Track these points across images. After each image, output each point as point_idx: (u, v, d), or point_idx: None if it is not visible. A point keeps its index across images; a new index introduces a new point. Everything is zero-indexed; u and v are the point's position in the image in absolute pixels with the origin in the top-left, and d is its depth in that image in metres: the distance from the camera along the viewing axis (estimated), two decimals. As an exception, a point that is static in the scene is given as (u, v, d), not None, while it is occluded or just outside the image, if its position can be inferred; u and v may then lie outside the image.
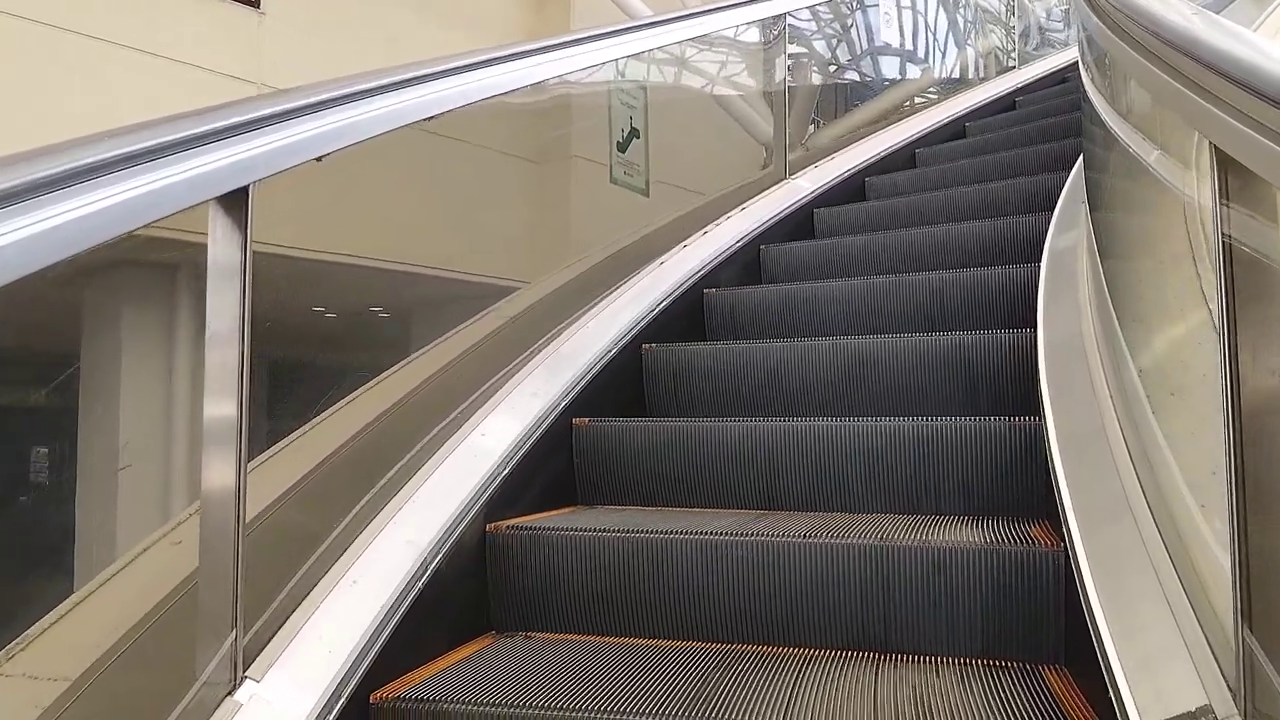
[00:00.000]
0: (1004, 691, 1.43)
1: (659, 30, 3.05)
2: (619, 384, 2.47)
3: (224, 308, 1.32)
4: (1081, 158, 2.72)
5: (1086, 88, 2.21)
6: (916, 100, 5.61)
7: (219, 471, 1.32)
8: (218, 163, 1.25)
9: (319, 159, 1.51)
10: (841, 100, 5.07)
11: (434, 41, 6.13)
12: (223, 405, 1.32)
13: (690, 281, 2.87)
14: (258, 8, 5.24)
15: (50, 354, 4.27)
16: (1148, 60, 1.16)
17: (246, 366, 1.32)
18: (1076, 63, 5.75)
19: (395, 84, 1.75)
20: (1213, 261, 0.96)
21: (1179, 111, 1.10)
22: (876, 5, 5.18)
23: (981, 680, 1.48)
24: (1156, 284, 1.60)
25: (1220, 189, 0.90)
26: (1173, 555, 1.17)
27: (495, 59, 2.10)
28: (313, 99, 1.49)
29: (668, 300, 2.74)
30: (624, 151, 2.96)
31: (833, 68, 4.98)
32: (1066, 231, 2.54)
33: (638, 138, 3.03)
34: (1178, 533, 1.17)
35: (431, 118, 1.89)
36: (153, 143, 1.13)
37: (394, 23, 5.89)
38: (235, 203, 1.31)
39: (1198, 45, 0.92)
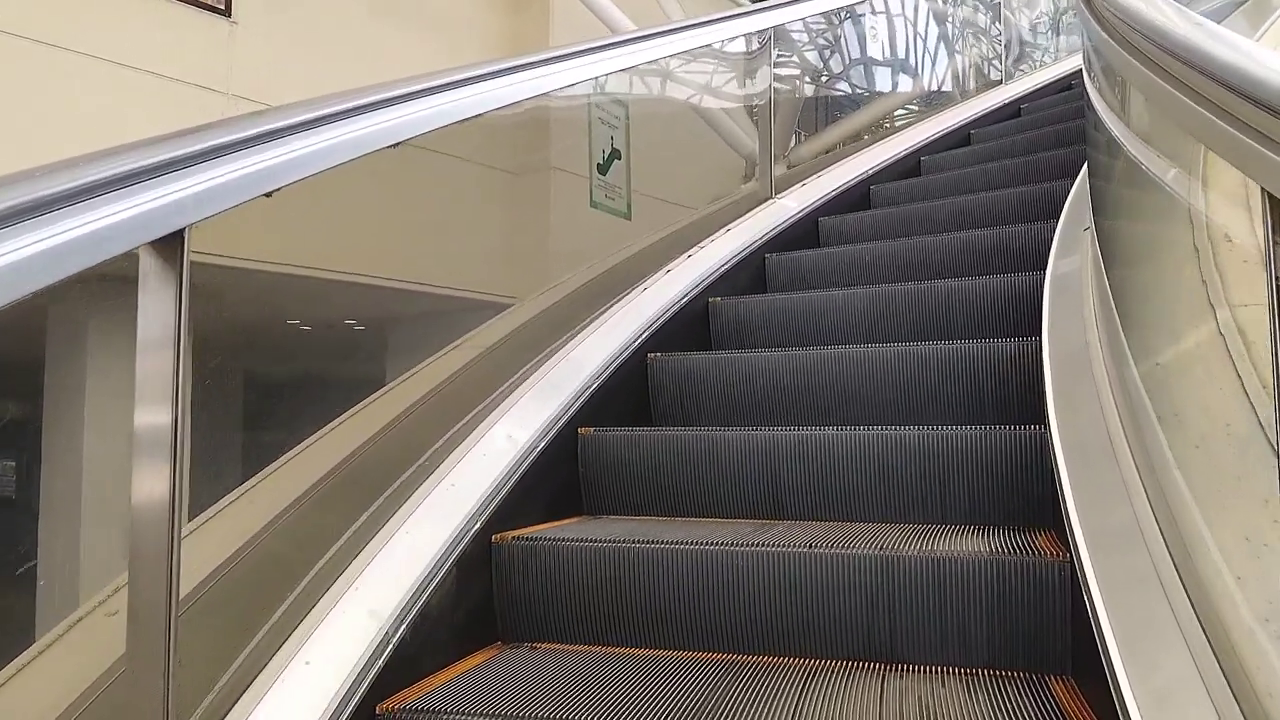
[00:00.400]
0: (1010, 702, 1.43)
1: (644, 45, 2.92)
2: (625, 393, 2.47)
3: (155, 363, 1.19)
4: (1086, 167, 2.71)
5: (1092, 99, 2.19)
6: (909, 111, 5.50)
7: (149, 540, 1.19)
8: (146, 206, 1.12)
9: (269, 194, 1.37)
10: (823, 115, 4.96)
11: (410, 50, 6.02)
12: (153, 471, 1.19)
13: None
14: (229, 17, 5.09)
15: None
16: (1185, 95, 1.05)
17: (184, 432, 1.19)
18: (1067, 74, 5.72)
19: (357, 109, 1.63)
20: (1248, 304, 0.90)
21: (1221, 151, 1.03)
22: (855, 24, 5.02)
23: (987, 690, 1.48)
24: (1166, 299, 1.58)
25: (1273, 232, 0.87)
26: (1192, 595, 1.12)
27: (466, 80, 1.97)
28: (261, 129, 1.37)
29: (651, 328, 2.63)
30: (605, 174, 2.83)
31: (824, 78, 4.87)
32: (1070, 240, 2.54)
33: (619, 159, 2.90)
34: (1200, 583, 1.11)
35: (398, 144, 1.76)
36: (67, 186, 1.00)
37: (370, 31, 5.77)
38: (168, 248, 1.17)
39: (1257, 87, 0.82)
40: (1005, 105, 5.49)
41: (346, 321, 5.05)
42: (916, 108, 5.60)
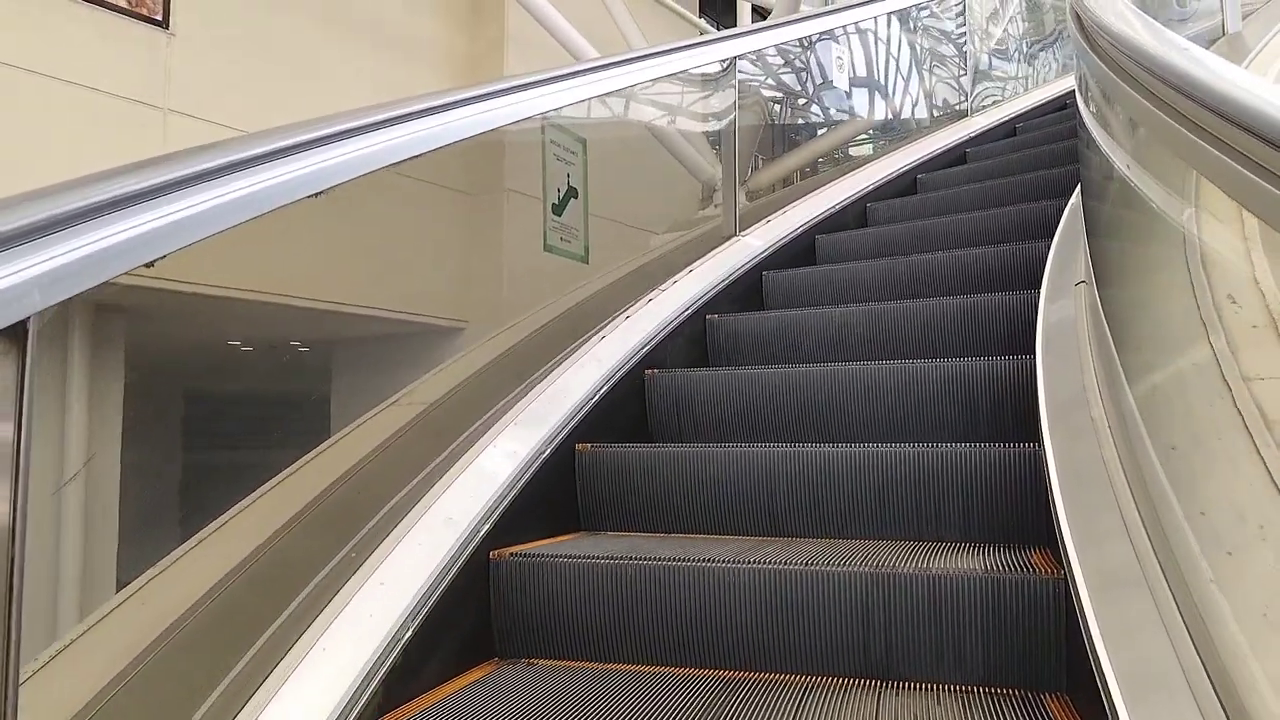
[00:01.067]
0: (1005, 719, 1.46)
1: (607, 74, 2.71)
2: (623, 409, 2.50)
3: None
4: (1079, 188, 2.73)
5: (1086, 122, 2.20)
6: (874, 136, 5.35)
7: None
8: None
9: (150, 264, 1.14)
10: (783, 145, 4.76)
11: (358, 67, 5.78)
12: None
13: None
14: (167, 29, 4.82)
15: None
16: (1223, 152, 0.95)
17: (19, 566, 0.94)
18: (1038, 105, 5.66)
19: (269, 154, 1.40)
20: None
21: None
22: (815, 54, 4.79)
23: (983, 708, 1.50)
24: (1157, 321, 1.57)
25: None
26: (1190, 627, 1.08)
27: (400, 117, 1.74)
28: (141, 185, 1.13)
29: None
30: (560, 214, 2.60)
31: (800, 101, 4.69)
32: (1065, 263, 2.54)
33: (575, 197, 2.68)
34: (1198, 618, 1.06)
35: (319, 193, 1.53)
36: None
37: (318, 48, 5.52)
38: (4, 342, 0.93)
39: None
40: (990, 130, 5.45)
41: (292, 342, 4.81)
42: (875, 139, 5.43)
